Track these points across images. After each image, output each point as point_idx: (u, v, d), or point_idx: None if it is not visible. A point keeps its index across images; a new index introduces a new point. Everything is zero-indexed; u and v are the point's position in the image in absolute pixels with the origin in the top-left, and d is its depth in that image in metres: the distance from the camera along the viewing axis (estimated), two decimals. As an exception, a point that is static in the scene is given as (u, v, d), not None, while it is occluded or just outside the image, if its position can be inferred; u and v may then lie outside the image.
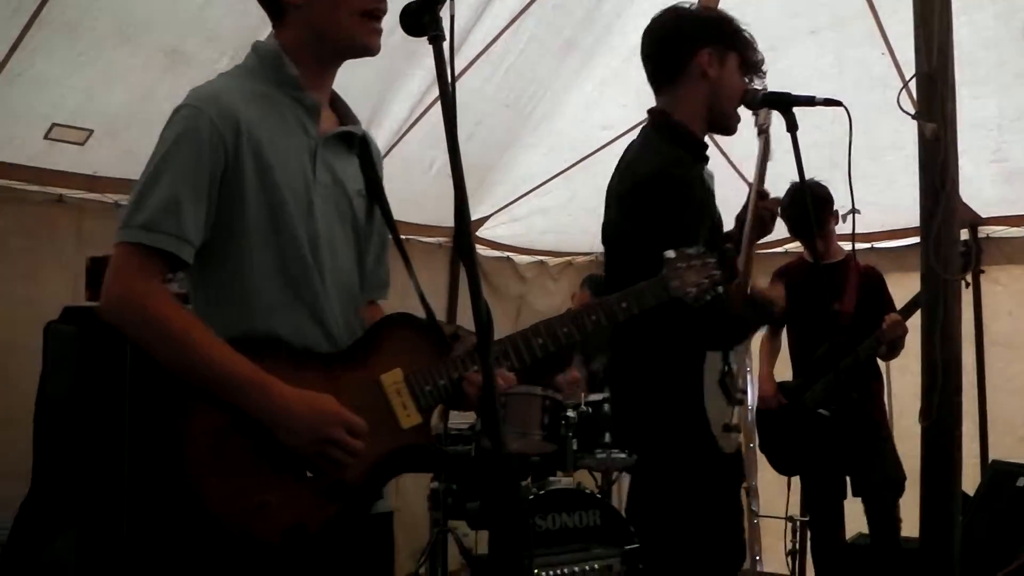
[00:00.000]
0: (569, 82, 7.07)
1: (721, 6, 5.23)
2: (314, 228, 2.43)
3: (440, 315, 2.57)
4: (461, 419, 6.21)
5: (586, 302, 6.92)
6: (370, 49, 2.48)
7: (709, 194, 3.41)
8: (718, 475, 3.29)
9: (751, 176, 3.48)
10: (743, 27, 3.48)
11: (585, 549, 5.44)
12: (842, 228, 5.60)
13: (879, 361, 5.74)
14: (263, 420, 2.27)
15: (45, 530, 4.58)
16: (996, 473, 6.17)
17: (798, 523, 6.36)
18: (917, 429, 4.77)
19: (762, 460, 5.88)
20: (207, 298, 2.42)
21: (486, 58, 6.35)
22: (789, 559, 6.30)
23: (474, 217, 7.56)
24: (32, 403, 4.77)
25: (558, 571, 5.29)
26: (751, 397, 3.43)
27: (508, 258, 8.69)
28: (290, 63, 2.47)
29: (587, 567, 5.38)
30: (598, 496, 5.71)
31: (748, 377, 3.41)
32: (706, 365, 3.26)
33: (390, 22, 2.38)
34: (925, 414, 4.73)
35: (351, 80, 2.63)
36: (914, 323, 5.16)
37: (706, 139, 3.53)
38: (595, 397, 5.89)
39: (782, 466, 5.93)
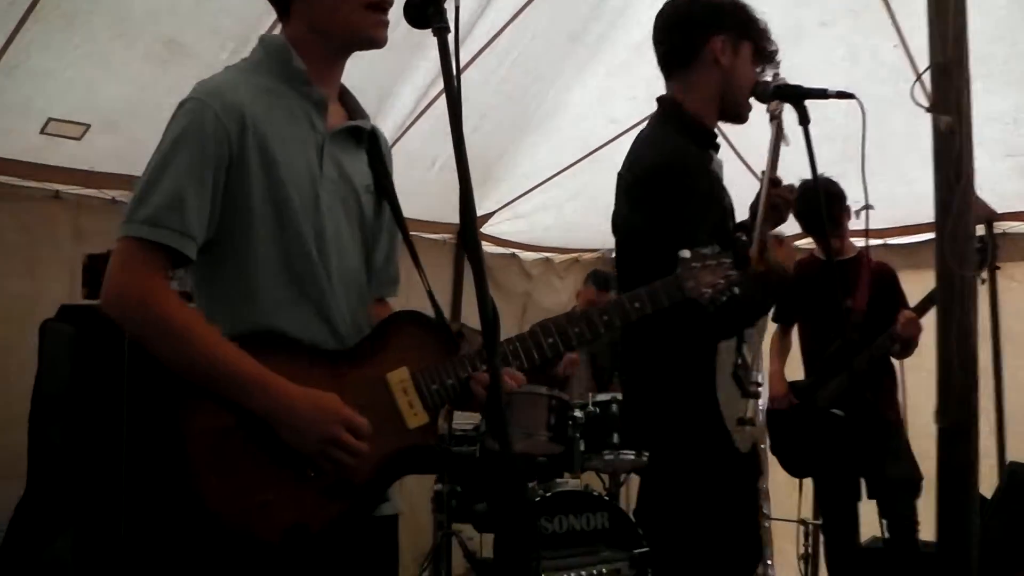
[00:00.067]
0: (575, 75, 7.07)
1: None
2: (320, 224, 2.43)
3: (444, 313, 2.56)
4: (465, 420, 6.21)
5: (595, 300, 6.98)
6: (376, 41, 2.49)
7: (717, 183, 3.40)
8: (733, 472, 3.28)
9: (759, 167, 3.47)
10: (758, 15, 3.48)
11: (593, 552, 5.44)
12: (854, 224, 5.60)
13: (892, 359, 5.73)
14: (266, 418, 2.27)
15: (42, 531, 4.59)
16: (1014, 474, 6.17)
17: (810, 526, 6.36)
18: (932, 429, 4.75)
19: (773, 461, 5.89)
20: (211, 294, 2.43)
21: (491, 51, 6.35)
22: (801, 563, 6.31)
23: (479, 213, 7.56)
24: (28, 402, 4.79)
25: (565, 575, 5.30)
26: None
27: (513, 255, 8.70)
28: (297, 57, 2.47)
29: (595, 571, 5.38)
30: (606, 498, 5.69)
31: (761, 369, 3.40)
32: (718, 357, 3.26)
33: (394, 15, 2.39)
34: (940, 414, 4.72)
35: (354, 73, 2.62)
36: (928, 320, 5.16)
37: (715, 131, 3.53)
38: (602, 397, 5.89)
39: (794, 467, 5.93)
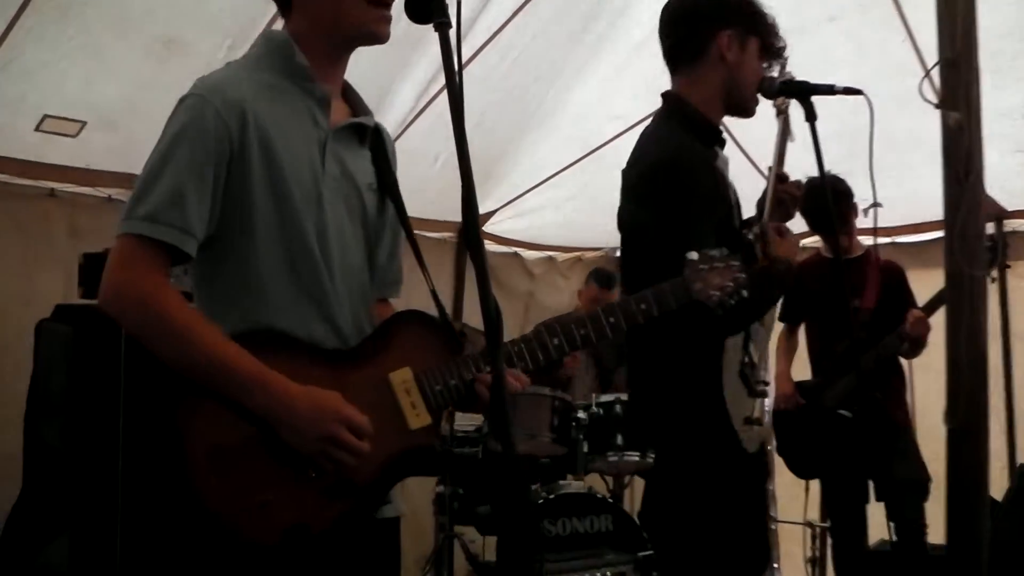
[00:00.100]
0: (578, 71, 7.06)
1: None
2: (323, 221, 2.43)
3: (447, 312, 2.57)
4: (468, 421, 6.21)
5: (597, 298, 6.97)
6: (379, 36, 2.49)
7: (721, 180, 3.40)
8: (740, 473, 3.28)
9: (764, 164, 3.47)
10: (766, 10, 3.47)
11: (596, 556, 5.43)
12: (862, 222, 5.60)
13: (901, 359, 5.73)
14: (265, 417, 2.27)
15: (37, 535, 4.60)
16: (1025, 476, 6.16)
17: (818, 529, 6.36)
18: (941, 430, 4.75)
19: (779, 463, 5.89)
20: (211, 292, 2.43)
21: (493, 47, 6.34)
22: (808, 567, 6.31)
23: (480, 211, 7.55)
24: (23, 403, 4.79)
25: (568, 578, 5.30)
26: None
27: (516, 254, 8.70)
28: (300, 53, 2.47)
29: (599, 574, 5.38)
30: (610, 500, 5.69)
31: (768, 369, 3.39)
32: (725, 356, 3.25)
33: (394, 10, 2.38)
34: (950, 415, 4.71)
35: (353, 69, 2.62)
36: (937, 320, 5.15)
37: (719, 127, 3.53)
38: (606, 398, 5.89)
39: (800, 469, 5.93)
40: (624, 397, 5.79)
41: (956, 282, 4.74)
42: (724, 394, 3.24)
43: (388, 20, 2.47)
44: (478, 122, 6.62)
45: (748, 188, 3.64)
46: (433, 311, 2.54)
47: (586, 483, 5.82)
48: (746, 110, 3.51)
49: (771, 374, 5.69)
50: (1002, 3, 5.62)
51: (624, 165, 3.47)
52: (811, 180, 4.35)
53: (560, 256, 9.04)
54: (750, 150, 6.60)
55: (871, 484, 5.57)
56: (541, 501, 5.43)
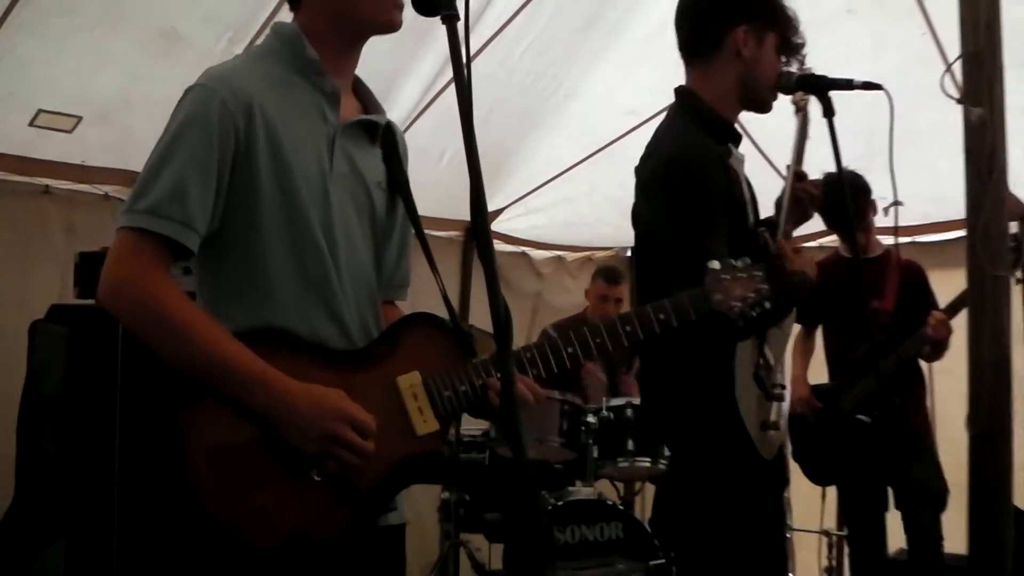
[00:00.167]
0: (589, 65, 7.05)
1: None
2: (329, 218, 2.43)
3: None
4: (474, 425, 6.21)
5: (607, 294, 6.97)
6: (392, 25, 2.49)
7: (735, 179, 3.40)
8: (756, 480, 3.27)
9: (779, 161, 3.47)
10: (786, 4, 3.47)
11: (607, 564, 5.43)
12: (882, 221, 5.59)
13: (921, 363, 5.72)
14: (266, 416, 2.27)
15: (32, 541, 4.60)
16: (1049, 484, 6.14)
17: (834, 537, 6.35)
18: (962, 436, 4.73)
19: (795, 469, 5.88)
20: (215, 289, 2.43)
21: (501, 39, 6.35)
22: (825, 576, 6.30)
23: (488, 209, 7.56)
24: (16, 406, 4.79)
25: (578, 587, 5.30)
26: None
27: (524, 253, 8.70)
28: (310, 46, 2.47)
29: (609, 583, 5.39)
30: (621, 507, 5.69)
31: (785, 372, 3.38)
32: (737, 357, 3.25)
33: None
34: (972, 420, 4.70)
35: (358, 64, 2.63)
36: (959, 322, 5.14)
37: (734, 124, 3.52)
38: (617, 401, 5.88)
39: (817, 476, 5.92)
40: (635, 401, 5.79)
41: (978, 283, 4.72)
42: (736, 398, 3.23)
43: (400, 7, 2.47)
44: (485, 118, 6.60)
45: (762, 185, 3.64)
46: (442, 313, 2.53)
47: (596, 489, 5.83)
48: (762, 106, 3.51)
49: (788, 377, 5.69)
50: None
51: (636, 162, 3.47)
52: (828, 176, 4.34)
53: (569, 256, 9.03)
54: (765, 146, 6.58)
55: (890, 491, 5.55)
56: (550, 508, 5.43)
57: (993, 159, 4.58)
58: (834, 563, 6.31)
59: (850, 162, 3.99)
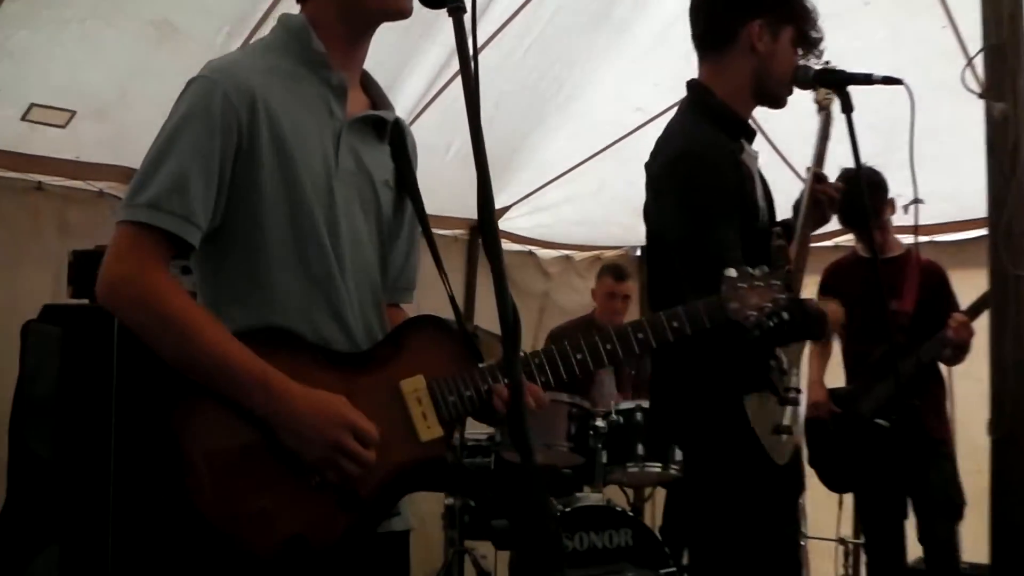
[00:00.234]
0: (598, 58, 7.05)
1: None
2: (334, 216, 2.42)
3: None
4: (479, 429, 6.22)
5: (615, 291, 6.97)
6: (403, 11, 2.47)
7: (748, 176, 3.40)
8: (767, 485, 3.27)
9: (794, 159, 3.47)
10: None
11: (616, 572, 5.43)
12: (901, 220, 5.58)
13: (941, 366, 5.71)
14: (265, 420, 2.26)
15: (24, 546, 4.60)
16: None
17: (851, 546, 6.35)
18: (984, 441, 4.73)
19: (811, 475, 5.87)
20: (216, 287, 2.42)
21: (507, 32, 6.33)
22: (841, 585, 6.29)
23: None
24: (8, 408, 4.79)
25: (587, 596, 5.30)
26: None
27: (531, 252, 8.71)
28: (317, 39, 2.47)
29: (618, 592, 5.38)
30: (630, 514, 5.69)
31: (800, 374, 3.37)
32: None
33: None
34: (994, 424, 4.70)
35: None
36: (980, 324, 5.14)
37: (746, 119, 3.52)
38: (626, 405, 5.88)
39: (833, 482, 5.91)
40: (645, 404, 5.78)
41: (1001, 283, 4.72)
42: (745, 402, 3.24)
43: None
44: (491, 113, 6.61)
45: (776, 184, 3.64)
46: (447, 315, 2.53)
47: (605, 495, 5.82)
48: (776, 101, 3.52)
49: (804, 380, 5.68)
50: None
51: (646, 159, 3.47)
52: (845, 171, 4.35)
53: (577, 255, 9.04)
54: (779, 143, 6.58)
55: (910, 500, 5.54)
56: (558, 514, 5.43)
57: (1016, 155, 4.58)
58: (850, 572, 6.31)
59: (868, 159, 4.00)
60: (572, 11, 6.55)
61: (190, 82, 2.37)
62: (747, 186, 3.37)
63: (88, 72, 5.37)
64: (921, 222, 4.09)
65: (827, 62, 3.45)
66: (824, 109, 3.44)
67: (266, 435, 2.27)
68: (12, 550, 4.62)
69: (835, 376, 6.02)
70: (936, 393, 5.71)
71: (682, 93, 3.56)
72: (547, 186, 8.02)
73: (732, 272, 2.69)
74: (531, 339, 8.00)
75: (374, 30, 2.54)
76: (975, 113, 4.71)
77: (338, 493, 2.29)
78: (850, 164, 3.51)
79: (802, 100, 3.56)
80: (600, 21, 6.75)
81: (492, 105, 6.59)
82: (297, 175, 2.38)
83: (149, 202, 2.27)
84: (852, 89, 3.39)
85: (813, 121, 3.52)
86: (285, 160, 2.37)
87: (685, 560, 5.65)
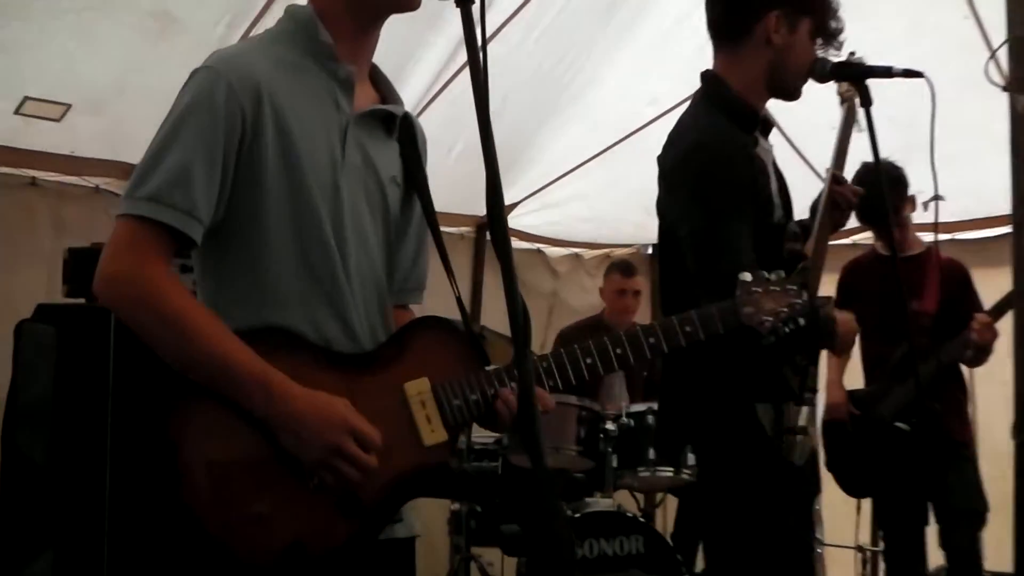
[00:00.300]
0: (609, 50, 7.03)
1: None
2: (339, 214, 2.42)
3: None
4: (487, 433, 6.20)
5: (625, 287, 6.97)
6: (412, 3, 2.48)
7: (762, 171, 3.40)
8: (781, 486, 3.27)
9: (809, 153, 3.48)
10: None
11: (627, 580, 5.43)
12: (922, 217, 5.58)
13: (962, 368, 5.71)
14: (265, 421, 2.27)
15: (15, 554, 4.61)
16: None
17: (869, 553, 6.33)
18: (1007, 445, 4.72)
19: (828, 479, 5.86)
20: (216, 285, 2.43)
21: (515, 23, 6.33)
22: (859, 594, 6.28)
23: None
24: (0, 412, 4.80)
25: (597, 604, 5.30)
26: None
27: (539, 250, 8.71)
28: (324, 30, 2.46)
29: (629, 601, 5.38)
30: (641, 520, 5.68)
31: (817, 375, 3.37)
32: None
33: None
34: (1018, 428, 4.69)
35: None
36: (1004, 325, 5.13)
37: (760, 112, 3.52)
38: (638, 408, 5.87)
39: (852, 487, 5.91)
40: (656, 407, 5.77)
41: (1025, 282, 4.71)
42: (758, 409, 3.24)
43: None
44: (499, 107, 6.57)
45: (790, 180, 3.64)
46: (454, 315, 2.53)
47: (615, 501, 5.82)
48: (792, 94, 3.52)
49: (821, 381, 5.68)
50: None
51: (660, 152, 3.48)
52: (864, 166, 4.35)
53: (587, 253, 9.04)
54: (794, 137, 6.57)
55: (931, 506, 5.52)
56: (569, 521, 5.43)
57: (1041, 151, 4.57)
58: (869, 580, 6.30)
59: (887, 155, 3.99)
60: (582, 1, 6.54)
61: (194, 73, 2.37)
62: (761, 180, 3.38)
63: (84, 64, 5.37)
64: (942, 219, 4.09)
65: (852, 53, 3.45)
66: (847, 101, 3.44)
67: (266, 437, 2.28)
68: (5, 556, 4.62)
69: (853, 377, 6.01)
70: (957, 395, 5.71)
71: (696, 85, 3.56)
72: (556, 182, 8.01)
73: (747, 276, 2.69)
74: (540, 340, 7.99)
75: (383, 22, 2.54)
76: (998, 107, 4.70)
77: (338, 498, 2.30)
78: (869, 159, 3.51)
79: (818, 95, 3.56)
80: (611, 11, 6.73)
81: (500, 99, 6.55)
82: (302, 170, 2.37)
83: (150, 195, 2.27)
84: (871, 82, 3.39)
85: (829, 115, 3.52)
86: (290, 154, 2.37)
87: (698, 568, 5.66)
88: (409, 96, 6.43)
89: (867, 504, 6.07)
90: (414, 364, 2.43)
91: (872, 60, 3.43)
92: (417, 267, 2.70)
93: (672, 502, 6.60)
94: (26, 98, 5.38)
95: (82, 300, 4.79)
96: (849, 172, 3.58)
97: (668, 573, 5.42)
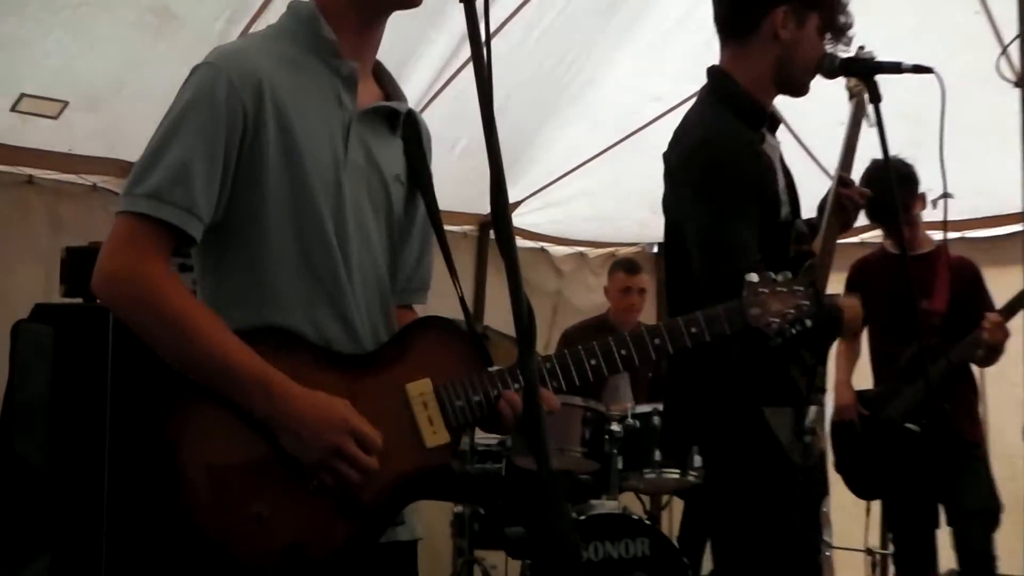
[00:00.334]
0: (613, 46, 7.03)
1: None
2: (341, 212, 2.41)
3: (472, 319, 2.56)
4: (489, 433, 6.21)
5: (630, 285, 6.96)
6: None
7: (768, 168, 3.40)
8: (787, 487, 3.27)
9: (816, 149, 3.48)
10: None
11: (632, 583, 5.43)
12: (931, 215, 5.57)
13: (973, 368, 5.70)
14: (264, 421, 2.27)
15: (12, 557, 4.61)
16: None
17: (879, 556, 6.33)
18: (1018, 446, 4.74)
19: (837, 481, 5.86)
20: (216, 285, 2.42)
21: (517, 20, 6.32)
22: (867, 598, 6.28)
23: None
24: (-2, 412, 4.80)
25: (602, 607, 5.29)
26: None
27: (543, 249, 8.70)
28: (327, 26, 2.46)
29: (634, 604, 5.38)
30: (647, 523, 5.68)
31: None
32: None
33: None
34: (1030, 429, 4.70)
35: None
36: (1015, 324, 5.13)
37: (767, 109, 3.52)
38: (643, 408, 5.86)
39: (861, 489, 5.90)
40: (662, 407, 5.77)
41: (1037, 281, 4.71)
42: (765, 411, 3.24)
43: None
44: (502, 104, 6.55)
45: (801, 178, 3.63)
46: (456, 315, 2.53)
47: (620, 503, 5.81)
48: (799, 90, 3.52)
49: (829, 382, 5.68)
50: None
51: (664, 151, 3.48)
52: (873, 163, 4.34)
53: (591, 252, 9.03)
54: (800, 133, 6.57)
55: (942, 508, 5.52)
56: (575, 523, 5.42)
57: (1053, 148, 4.56)
58: (878, 584, 6.29)
59: (896, 151, 3.99)
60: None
61: (195, 69, 2.36)
62: (768, 177, 3.38)
63: (81, 61, 5.38)
64: (951, 217, 4.09)
65: (861, 47, 3.45)
66: (856, 96, 3.44)
67: (265, 438, 2.27)
68: (2, 559, 4.63)
69: (862, 377, 6.01)
70: (968, 395, 5.70)
71: (703, 81, 3.56)
72: (560, 180, 8.01)
73: (754, 277, 2.68)
74: (544, 340, 8.00)
75: (386, 17, 2.53)
76: (1009, 103, 4.70)
77: (338, 500, 2.29)
78: (878, 155, 3.50)
79: (826, 91, 3.56)
80: (615, 6, 6.74)
81: (503, 96, 6.57)
82: (303, 167, 2.37)
83: (150, 192, 2.27)
84: (880, 78, 3.38)
85: (837, 111, 3.52)
86: (291, 151, 2.36)
87: (704, 571, 5.65)
88: (411, 92, 6.38)
89: (876, 506, 6.07)
90: (416, 364, 2.42)
91: (881, 55, 3.42)
92: (421, 267, 2.69)
93: (678, 504, 6.59)
94: (22, 95, 5.38)
95: (80, 300, 4.79)
96: (858, 169, 3.57)
97: (674, 576, 5.42)
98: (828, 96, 3.65)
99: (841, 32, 3.46)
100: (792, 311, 2.68)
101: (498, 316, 6.33)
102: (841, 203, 3.39)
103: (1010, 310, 5.37)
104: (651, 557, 5.47)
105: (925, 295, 5.58)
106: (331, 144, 2.42)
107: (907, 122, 4.60)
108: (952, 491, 5.47)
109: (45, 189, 5.83)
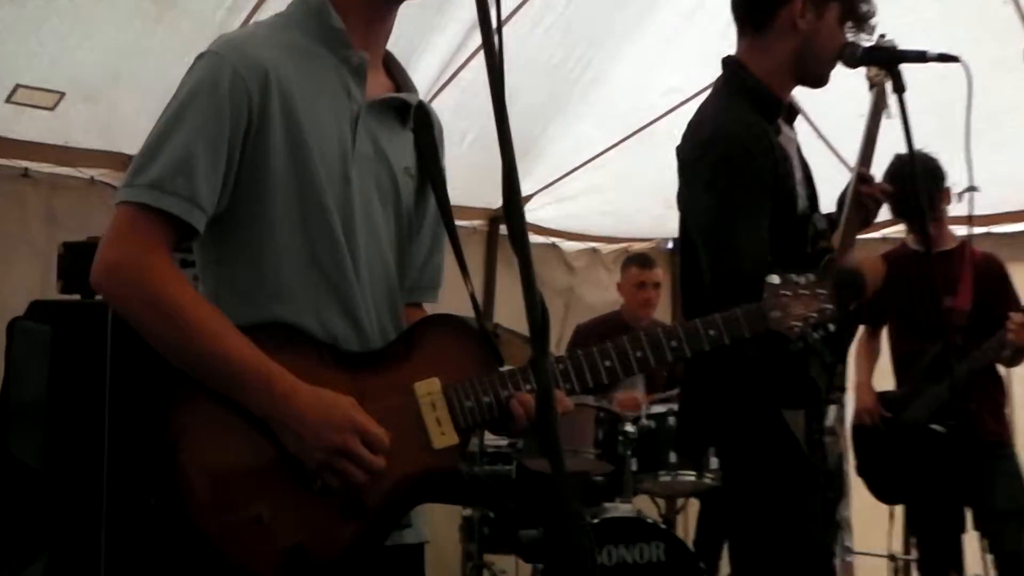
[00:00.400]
0: (624, 37, 7.03)
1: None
2: (349, 206, 2.41)
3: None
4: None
5: (644, 279, 6.96)
6: None
7: (780, 160, 3.39)
8: (807, 492, 3.27)
9: (836, 141, 3.47)
10: None
11: (648, 589, 5.43)
12: (956, 209, 5.56)
13: (999, 368, 5.69)
14: (267, 420, 2.26)
15: (10, 559, 4.62)
16: None
17: (901, 562, 6.32)
18: (1048, 448, 4.73)
19: (859, 486, 5.86)
20: (218, 277, 2.42)
21: (526, 12, 6.32)
22: (891, 605, 6.28)
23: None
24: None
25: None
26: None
27: (554, 244, 8.70)
28: (336, 15, 2.45)
29: (650, 610, 5.38)
30: (662, 526, 5.68)
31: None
32: None
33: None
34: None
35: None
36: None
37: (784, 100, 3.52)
38: (658, 409, 5.86)
39: (884, 492, 5.90)
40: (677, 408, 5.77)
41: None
42: (784, 414, 3.24)
43: None
44: (512, 97, 6.53)
45: (816, 170, 3.63)
46: (466, 312, 2.52)
47: (635, 506, 5.81)
48: (819, 81, 3.52)
49: (849, 382, 5.66)
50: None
51: (679, 143, 3.48)
52: (898, 157, 4.33)
53: (604, 248, 9.03)
54: (819, 124, 6.56)
55: (968, 511, 5.50)
56: (590, 527, 5.42)
57: (1082, 140, 4.55)
58: (901, 591, 6.29)
59: (920, 144, 3.97)
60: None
61: (199, 57, 2.36)
62: (783, 169, 3.37)
63: (78, 50, 5.38)
64: (977, 211, 4.08)
65: (883, 35, 3.44)
66: (876, 85, 3.43)
67: (267, 437, 2.27)
68: (0, 560, 4.64)
69: (883, 377, 6.00)
70: (995, 396, 5.70)
71: (716, 72, 3.56)
72: (572, 174, 8.00)
73: (775, 279, 2.67)
74: (555, 338, 7.99)
75: (397, 7, 2.52)
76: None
77: (342, 501, 2.29)
78: (902, 147, 3.49)
79: (846, 81, 3.56)
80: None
81: (511, 89, 6.49)
82: (310, 159, 2.37)
83: (152, 182, 2.26)
84: (904, 68, 3.38)
85: (858, 102, 3.51)
86: (298, 143, 2.36)
87: (721, 576, 5.66)
88: (419, 83, 6.37)
89: (899, 511, 6.06)
90: (425, 363, 2.42)
91: (906, 45, 3.41)
92: (431, 263, 2.68)
93: (694, 507, 6.59)
94: (18, 86, 5.38)
95: (77, 296, 4.79)
96: (881, 162, 3.56)
97: (690, 581, 5.42)
98: (848, 88, 3.64)
99: (863, 20, 3.45)
100: (815, 315, 2.67)
101: (508, 314, 6.34)
102: (860, 200, 3.38)
103: (1036, 308, 5.37)
104: (666, 562, 5.47)
105: (949, 293, 5.56)
106: (339, 136, 2.41)
107: (931, 113, 4.59)
108: (981, 493, 5.45)
109: (41, 183, 5.84)
